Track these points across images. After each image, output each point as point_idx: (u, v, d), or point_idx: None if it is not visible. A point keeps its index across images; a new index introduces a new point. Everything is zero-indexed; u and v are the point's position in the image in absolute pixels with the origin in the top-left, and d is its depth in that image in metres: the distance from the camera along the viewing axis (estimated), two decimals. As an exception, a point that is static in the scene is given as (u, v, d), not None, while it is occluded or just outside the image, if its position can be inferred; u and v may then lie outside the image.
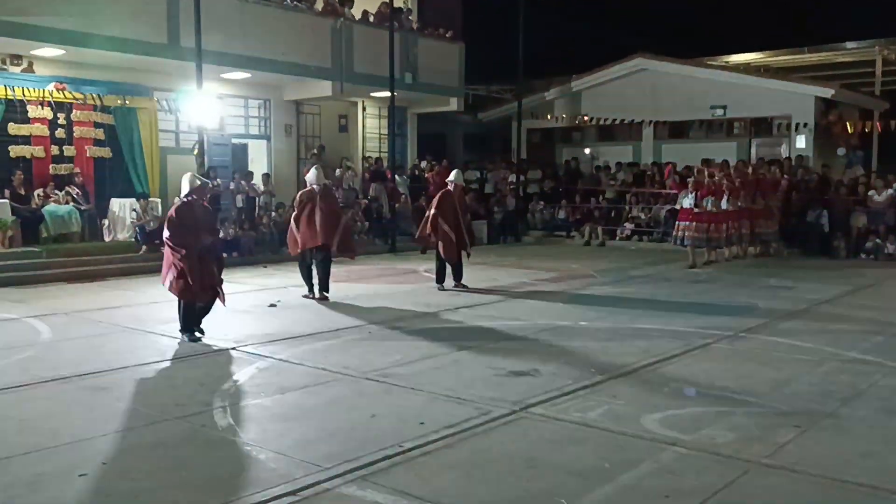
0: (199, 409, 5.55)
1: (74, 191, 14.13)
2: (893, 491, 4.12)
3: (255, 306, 9.96)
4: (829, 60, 22.24)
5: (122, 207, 14.53)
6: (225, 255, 13.80)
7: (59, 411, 5.56)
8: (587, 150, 22.95)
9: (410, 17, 19.97)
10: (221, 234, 13.91)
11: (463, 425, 5.12)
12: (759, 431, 5.04)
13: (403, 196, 18.84)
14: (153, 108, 15.48)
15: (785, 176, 16.96)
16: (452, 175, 11.66)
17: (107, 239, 14.34)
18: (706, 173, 14.77)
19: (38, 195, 13.73)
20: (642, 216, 18.95)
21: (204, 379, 6.41)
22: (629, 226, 18.84)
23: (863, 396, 5.88)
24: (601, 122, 21.32)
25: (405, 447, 4.70)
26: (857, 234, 15.86)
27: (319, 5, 17.80)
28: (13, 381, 6.25)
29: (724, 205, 14.37)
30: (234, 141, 17.91)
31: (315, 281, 10.60)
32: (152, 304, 10.09)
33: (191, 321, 7.90)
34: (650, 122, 20.81)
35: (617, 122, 21.05)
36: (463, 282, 11.38)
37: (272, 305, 10.05)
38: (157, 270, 12.42)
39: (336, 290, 10.82)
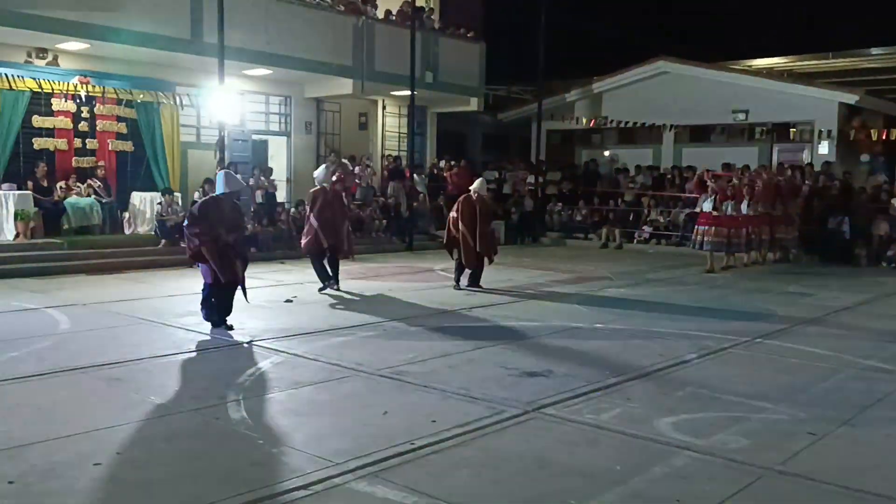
0: (214, 401, 5.59)
1: (96, 183, 14.28)
2: (908, 501, 4.08)
3: (272, 301, 10.01)
4: (854, 66, 22.01)
5: (143, 201, 14.68)
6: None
7: (75, 401, 5.62)
8: (607, 153, 22.86)
9: (432, 17, 19.98)
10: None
11: (475, 424, 5.12)
12: (774, 438, 5.00)
13: (422, 195, 18.86)
14: (175, 103, 15.61)
15: (806, 182, 16.81)
16: (476, 184, 11.63)
17: (127, 232, 14.48)
18: (726, 178, 14.69)
19: (61, 187, 13.89)
20: (661, 219, 18.85)
21: (219, 372, 6.45)
22: (647, 229, 18.75)
23: (879, 405, 5.82)
24: (621, 125, 21.24)
25: (417, 444, 4.71)
26: (879, 242, 15.69)
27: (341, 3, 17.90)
28: (31, 371, 6.32)
29: (744, 209, 14.27)
30: (255, 137, 18.02)
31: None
32: (170, 297, 10.18)
33: (214, 311, 8.03)
34: (671, 125, 20.70)
35: (637, 124, 20.95)
36: (480, 283, 11.37)
37: (288, 301, 10.10)
38: (176, 264, 12.67)
39: (353, 288, 10.95)
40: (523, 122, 23.25)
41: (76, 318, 8.64)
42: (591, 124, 21.57)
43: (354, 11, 17.72)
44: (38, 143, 14.04)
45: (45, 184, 13.77)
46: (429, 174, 20.42)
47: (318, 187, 11.03)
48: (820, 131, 18.82)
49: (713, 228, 13.96)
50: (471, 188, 11.60)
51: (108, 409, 5.40)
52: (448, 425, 5.06)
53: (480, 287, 11.29)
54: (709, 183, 14.36)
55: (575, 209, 20.22)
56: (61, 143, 14.29)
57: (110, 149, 14.89)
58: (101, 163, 14.64)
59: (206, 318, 8.12)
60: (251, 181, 16.43)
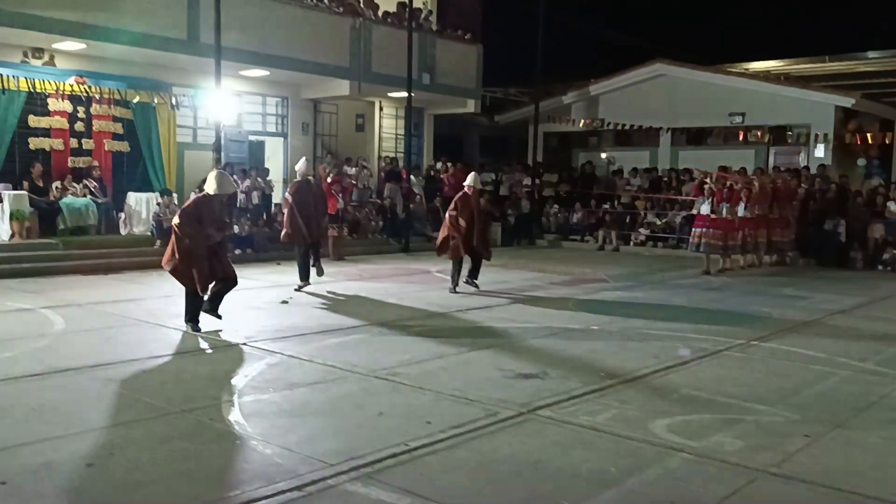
0: (208, 402, 5.58)
1: (92, 184, 14.25)
2: (902, 503, 4.08)
3: (267, 302, 10.00)
4: (851, 70, 22.03)
5: (139, 202, 14.65)
6: (239, 251, 13.98)
7: (69, 401, 5.60)
8: (603, 155, 22.88)
9: (430, 19, 19.99)
10: (237, 230, 14.05)
11: (470, 426, 5.11)
12: (768, 440, 5.00)
13: (418, 196, 18.86)
14: (172, 104, 15.59)
15: (802, 185, 16.83)
16: (469, 179, 11.65)
17: (123, 232, 14.45)
18: (724, 181, 14.70)
19: (56, 187, 13.85)
20: (657, 222, 18.86)
21: (213, 373, 6.44)
22: (644, 231, 18.76)
23: (874, 407, 5.83)
24: (618, 127, 21.25)
25: (411, 446, 4.70)
26: (875, 245, 15.73)
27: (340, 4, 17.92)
28: (26, 371, 6.31)
29: (740, 212, 14.29)
30: (252, 138, 18.00)
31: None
32: (165, 297, 10.15)
33: (195, 311, 8.02)
34: (668, 128, 20.72)
35: (634, 127, 20.97)
36: (476, 282, 11.38)
37: (284, 302, 10.09)
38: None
39: (348, 289, 11.00)
40: (520, 124, 23.26)
41: (71, 318, 8.62)
42: (588, 124, 21.59)
43: (352, 13, 17.72)
44: (34, 142, 14.01)
45: (41, 184, 13.74)
46: (425, 176, 20.41)
47: (301, 180, 11.43)
48: (816, 134, 18.85)
49: (710, 231, 13.98)
50: (465, 183, 11.61)
51: (102, 409, 5.38)
52: (443, 426, 5.06)
53: (477, 286, 11.28)
54: (707, 183, 14.36)
55: (572, 211, 20.23)
56: (57, 143, 14.26)
57: (106, 149, 14.87)
58: (96, 163, 14.61)
59: (193, 316, 8.08)
60: (247, 182, 16.41)
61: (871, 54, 21.34)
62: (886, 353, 7.65)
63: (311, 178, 11.55)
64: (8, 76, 13.44)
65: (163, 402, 5.59)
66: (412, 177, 18.77)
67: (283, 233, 11.55)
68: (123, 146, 15.09)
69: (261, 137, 18.39)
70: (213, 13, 13.74)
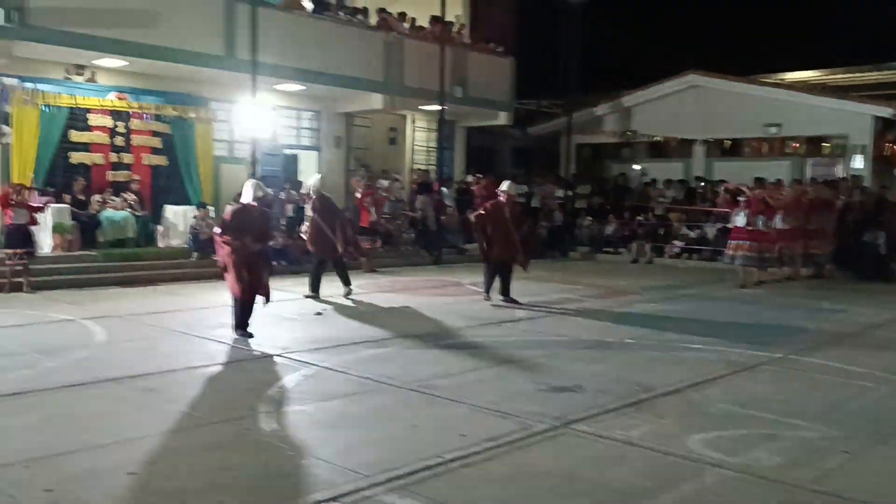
0: (245, 413, 5.66)
1: (131, 197, 14.51)
2: (946, 522, 4.01)
3: (302, 314, 10.11)
4: (889, 79, 21.72)
5: (176, 215, 14.89)
6: (274, 263, 14.14)
7: (111, 411, 5.72)
8: (636, 167, 22.76)
9: (462, 32, 20.10)
10: (272, 242, 14.22)
11: (504, 439, 5.12)
12: (807, 456, 4.94)
13: (450, 209, 18.91)
14: (209, 119, 15.83)
15: (840, 196, 16.58)
16: (504, 185, 11.62)
17: (161, 245, 14.68)
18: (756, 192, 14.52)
19: (97, 201, 14.14)
20: (692, 234, 18.69)
21: (250, 384, 6.52)
22: (678, 243, 18.60)
23: (916, 424, 5.73)
24: (652, 139, 21.13)
25: (446, 458, 4.72)
26: (915, 257, 15.41)
27: (373, 19, 18.09)
28: (68, 380, 6.45)
29: (777, 223, 14.12)
30: (286, 151, 18.21)
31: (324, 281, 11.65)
32: (203, 309, 10.32)
33: (244, 318, 8.25)
34: (702, 140, 20.56)
35: (667, 138, 20.84)
36: (511, 297, 11.34)
37: (318, 314, 10.19)
38: (208, 276, 12.81)
39: (381, 301, 11.10)
40: (553, 135, 23.23)
41: (111, 329, 8.79)
42: (622, 136, 21.49)
43: (385, 27, 17.90)
44: (76, 157, 14.31)
45: (83, 197, 14.04)
46: (457, 188, 20.46)
47: (315, 195, 11.93)
48: (854, 145, 18.58)
49: (746, 243, 13.82)
50: (499, 189, 11.59)
51: (142, 418, 5.49)
52: (477, 439, 5.07)
53: (511, 300, 11.25)
54: (744, 191, 14.17)
55: (605, 223, 20.12)
56: (98, 158, 14.55)
57: (145, 163, 15.14)
58: (135, 177, 14.89)
59: (240, 323, 8.32)
60: (282, 195, 16.59)
61: (910, 64, 21.04)
62: (928, 368, 7.51)
63: (323, 193, 11.98)
64: (51, 92, 13.78)
65: (201, 412, 5.69)
66: (444, 189, 18.83)
67: (314, 248, 12.06)
68: (161, 160, 15.35)
69: (295, 151, 18.60)
70: (250, 30, 13.97)
